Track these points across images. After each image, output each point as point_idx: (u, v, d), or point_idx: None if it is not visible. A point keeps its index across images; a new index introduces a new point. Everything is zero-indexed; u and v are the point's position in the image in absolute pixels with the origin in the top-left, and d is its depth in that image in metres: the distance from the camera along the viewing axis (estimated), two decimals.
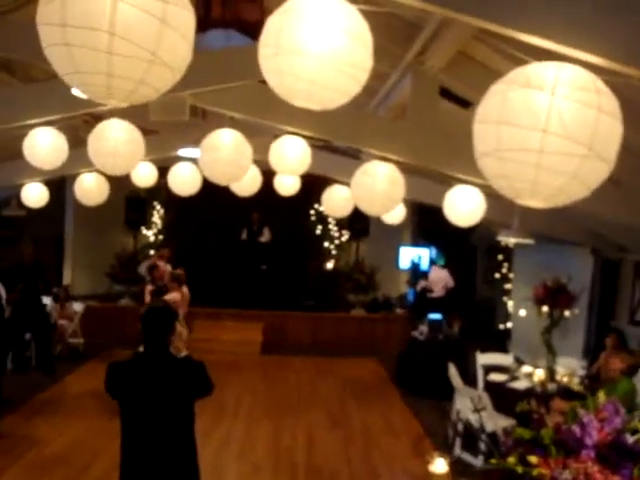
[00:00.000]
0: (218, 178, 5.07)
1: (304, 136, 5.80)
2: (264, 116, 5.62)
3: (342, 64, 1.88)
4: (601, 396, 1.66)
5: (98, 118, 5.90)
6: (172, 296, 7.72)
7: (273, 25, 1.91)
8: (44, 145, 5.34)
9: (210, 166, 5.02)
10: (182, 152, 7.09)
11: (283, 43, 1.85)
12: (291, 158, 5.52)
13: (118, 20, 1.70)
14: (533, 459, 1.46)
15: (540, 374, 6.60)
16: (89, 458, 6.08)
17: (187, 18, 1.87)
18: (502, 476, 1.53)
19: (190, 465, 3.59)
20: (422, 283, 11.78)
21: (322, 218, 12.96)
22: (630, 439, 1.49)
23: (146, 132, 7.98)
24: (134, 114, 5.65)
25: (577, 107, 1.81)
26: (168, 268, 9.93)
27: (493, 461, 1.54)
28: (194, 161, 6.13)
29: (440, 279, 11.42)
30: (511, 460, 1.49)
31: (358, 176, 4.96)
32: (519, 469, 1.45)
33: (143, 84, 1.85)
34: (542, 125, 1.80)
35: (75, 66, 1.78)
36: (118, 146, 4.86)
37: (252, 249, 12.48)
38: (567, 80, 1.84)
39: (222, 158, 4.91)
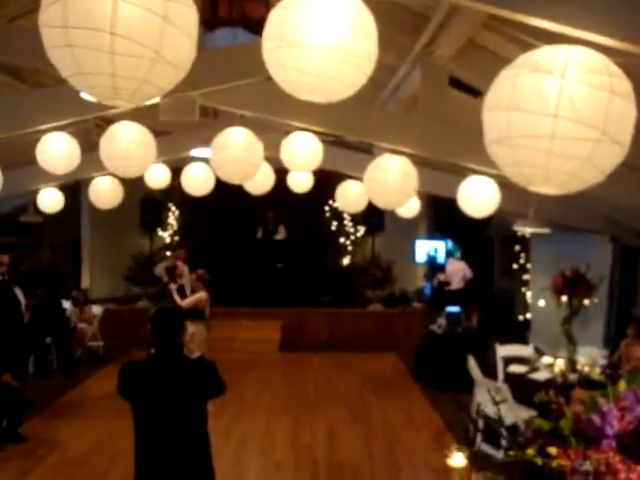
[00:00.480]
0: (230, 177, 5.05)
1: (315, 132, 5.77)
2: (274, 113, 5.59)
3: (346, 55, 1.85)
4: (622, 385, 1.63)
5: (110, 121, 5.91)
6: (199, 295, 7.76)
7: (275, 18, 1.88)
8: (56, 150, 5.37)
9: (221, 165, 5.02)
10: (194, 152, 7.10)
11: (286, 36, 1.83)
12: (302, 154, 5.49)
13: (119, 20, 1.69)
14: (552, 450, 1.43)
15: (561, 364, 6.54)
16: (110, 460, 6.11)
17: (189, 15, 1.85)
18: (522, 468, 1.51)
19: (204, 465, 3.57)
20: (440, 276, 11.70)
21: (337, 214, 12.92)
22: None
23: (158, 133, 8.00)
24: (145, 116, 5.67)
25: (588, 90, 1.77)
26: (185, 268, 9.96)
27: (511, 453, 1.52)
28: (207, 161, 6.12)
29: (458, 271, 11.35)
30: (530, 452, 1.46)
31: (370, 170, 4.93)
32: (538, 461, 1.42)
33: (147, 83, 1.84)
34: (553, 110, 1.76)
35: (78, 67, 1.78)
36: (130, 148, 4.86)
37: (268, 247, 12.50)
38: (577, 63, 1.80)
39: (233, 157, 4.90)
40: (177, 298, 7.83)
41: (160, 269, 11.19)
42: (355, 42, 1.87)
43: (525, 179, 1.91)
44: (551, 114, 1.77)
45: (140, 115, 5.56)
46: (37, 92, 6.41)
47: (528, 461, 1.44)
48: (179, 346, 3.50)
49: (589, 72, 1.79)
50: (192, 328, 3.72)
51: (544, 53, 1.86)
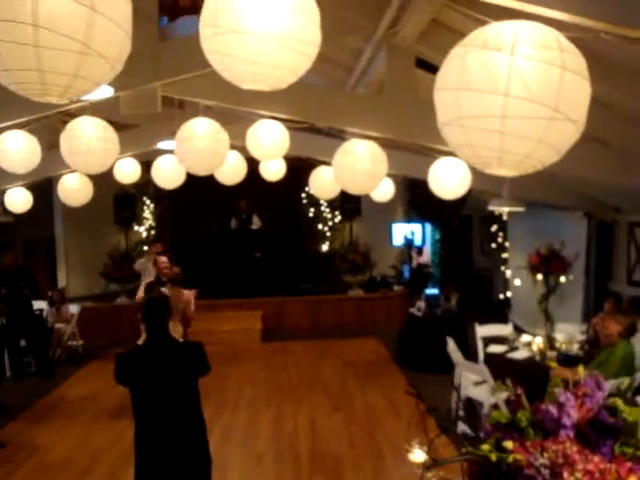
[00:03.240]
0: (195, 168, 4.96)
1: (284, 119, 5.67)
2: (239, 102, 5.47)
3: (287, 40, 1.75)
4: (580, 370, 1.58)
5: (75, 117, 5.77)
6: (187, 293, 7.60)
7: (211, 3, 1.77)
8: (15, 149, 5.22)
9: (186, 156, 4.92)
10: (161, 144, 6.96)
11: (222, 22, 1.72)
12: (268, 142, 5.39)
13: (41, 10, 1.58)
14: (509, 444, 1.38)
15: (539, 342, 6.54)
16: (92, 460, 6.03)
17: (120, 4, 1.75)
18: (480, 464, 1.45)
19: (201, 441, 3.87)
20: (419, 259, 11.72)
21: (313, 201, 12.85)
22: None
23: (126, 127, 7.87)
24: (109, 109, 5.54)
25: (539, 66, 1.70)
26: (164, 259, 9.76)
27: (464, 450, 1.46)
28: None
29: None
30: (485, 447, 1.40)
31: (338, 156, 4.84)
32: (492, 457, 1.37)
33: (79, 78, 1.74)
34: (503, 89, 1.69)
35: (2, 63, 1.67)
36: (90, 144, 4.75)
37: (245, 237, 12.39)
38: (527, 38, 1.73)
39: (198, 147, 4.80)
40: (140, 292, 7.66)
41: (139, 264, 11.04)
42: (296, 26, 1.77)
43: (479, 161, 1.85)
44: (501, 93, 1.70)
45: (104, 109, 5.43)
46: None
47: (483, 457, 1.39)
48: (167, 330, 3.79)
49: (539, 48, 1.72)
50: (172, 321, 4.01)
51: (492, 29, 1.79)
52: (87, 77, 1.76)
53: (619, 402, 1.45)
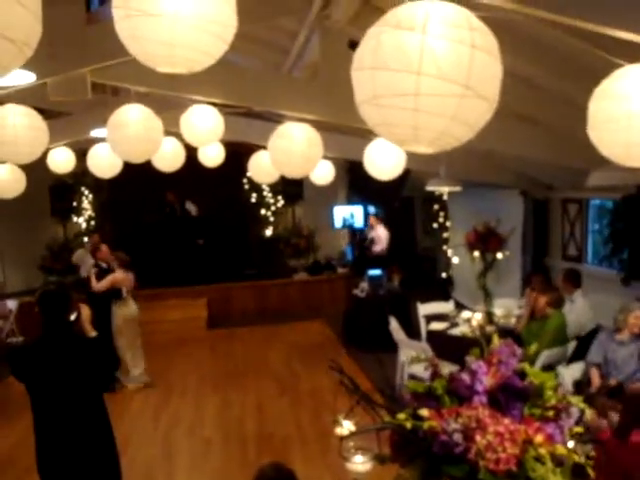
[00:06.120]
0: (129, 156, 4.88)
1: (220, 104, 5.61)
2: (172, 88, 5.38)
3: (203, 22, 1.74)
4: (495, 340, 1.64)
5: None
6: (112, 276, 7.66)
7: None
8: None
9: (119, 144, 4.82)
10: (95, 133, 6.81)
11: (133, 4, 1.70)
12: (202, 128, 5.34)
13: None
14: (424, 412, 1.42)
15: (478, 318, 6.68)
16: (35, 457, 5.91)
17: None
18: (399, 433, 1.50)
19: (106, 440, 3.67)
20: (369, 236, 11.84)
21: (255, 186, 12.75)
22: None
23: (60, 115, 7.65)
24: (40, 98, 5.36)
25: (449, 45, 1.74)
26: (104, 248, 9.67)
27: (387, 419, 1.51)
28: None
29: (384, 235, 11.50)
30: (401, 416, 1.45)
31: (274, 140, 4.83)
32: (408, 424, 1.42)
33: None
34: (415, 67, 1.72)
35: None
36: (18, 133, 4.59)
37: (186, 225, 12.27)
38: (438, 18, 1.76)
39: (131, 135, 4.70)
40: (93, 281, 7.75)
41: (77, 256, 10.86)
42: (211, 7, 1.76)
43: (396, 139, 1.88)
44: (414, 71, 1.73)
45: (33, 97, 5.26)
46: None
47: (401, 426, 1.43)
48: (67, 325, 3.58)
49: (450, 27, 1.75)
50: (86, 309, 3.79)
51: (405, 9, 1.82)
52: None
53: (526, 366, 1.52)
